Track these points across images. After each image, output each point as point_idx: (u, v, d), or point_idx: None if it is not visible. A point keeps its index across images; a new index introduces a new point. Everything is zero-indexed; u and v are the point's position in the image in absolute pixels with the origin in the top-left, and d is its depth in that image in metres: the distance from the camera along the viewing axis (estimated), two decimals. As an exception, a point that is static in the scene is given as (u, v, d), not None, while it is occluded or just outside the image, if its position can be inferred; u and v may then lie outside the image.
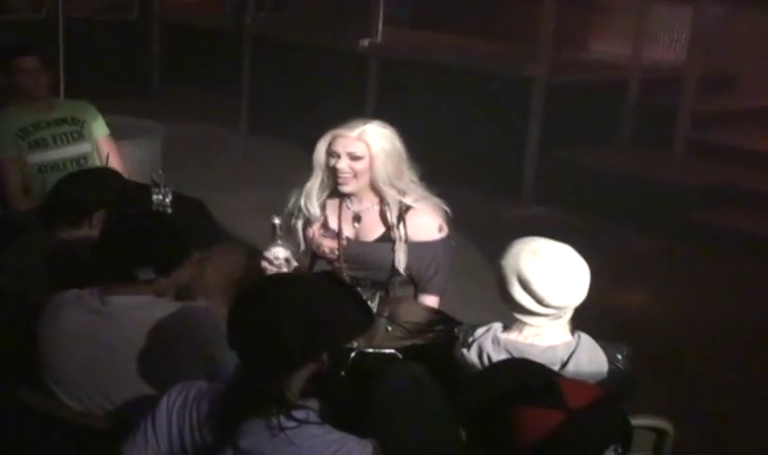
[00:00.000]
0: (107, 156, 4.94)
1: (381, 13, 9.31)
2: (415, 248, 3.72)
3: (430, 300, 3.79)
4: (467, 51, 9.29)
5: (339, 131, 3.70)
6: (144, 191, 4.53)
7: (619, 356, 2.85)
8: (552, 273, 2.75)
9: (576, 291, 2.78)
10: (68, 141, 4.92)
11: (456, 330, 3.12)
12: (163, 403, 2.39)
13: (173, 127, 7.67)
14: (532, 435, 1.97)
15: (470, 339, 2.91)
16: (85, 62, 9.67)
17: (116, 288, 2.87)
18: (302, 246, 3.88)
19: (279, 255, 3.53)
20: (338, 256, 3.78)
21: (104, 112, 5.17)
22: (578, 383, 2.15)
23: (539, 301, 2.76)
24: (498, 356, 2.78)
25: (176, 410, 2.37)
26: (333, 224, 3.81)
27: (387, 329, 3.37)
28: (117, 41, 11.20)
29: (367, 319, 2.58)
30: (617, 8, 9.78)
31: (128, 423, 2.52)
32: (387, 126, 3.75)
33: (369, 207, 3.77)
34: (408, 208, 3.71)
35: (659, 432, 2.82)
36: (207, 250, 3.44)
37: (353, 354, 3.07)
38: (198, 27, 11.60)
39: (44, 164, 4.83)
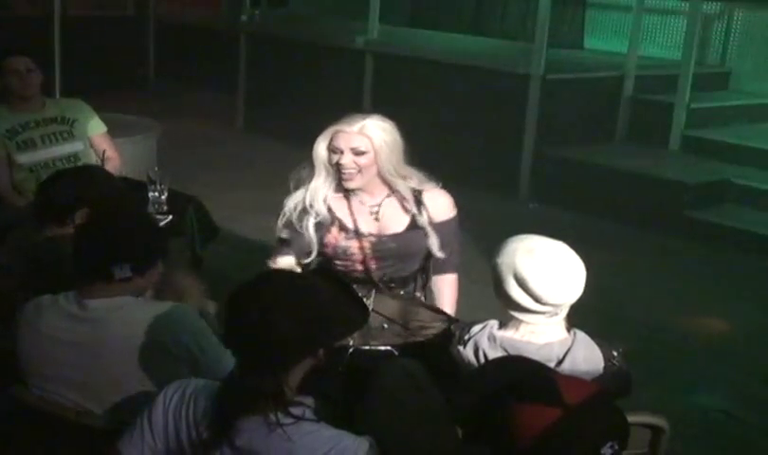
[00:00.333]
0: (103, 153, 4.93)
1: (378, 10, 9.31)
2: (439, 228, 3.69)
3: (451, 278, 3.80)
4: (464, 48, 9.29)
5: (340, 126, 3.62)
6: (140, 188, 4.54)
7: (615, 354, 2.86)
8: (548, 271, 2.75)
9: (573, 289, 2.78)
10: (57, 141, 4.91)
11: (452, 327, 3.13)
12: (160, 400, 2.40)
13: (170, 125, 7.66)
14: (529, 432, 1.97)
15: (466, 337, 2.91)
16: (81, 59, 9.65)
17: (93, 290, 2.84)
18: (314, 251, 3.66)
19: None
20: (366, 256, 3.64)
21: (100, 109, 5.16)
22: (575, 379, 2.15)
23: (536, 299, 2.76)
24: (494, 354, 2.78)
25: (173, 408, 2.37)
26: (348, 223, 3.66)
27: (383, 326, 3.37)
28: (113, 38, 11.18)
29: (363, 316, 2.58)
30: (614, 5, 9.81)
31: (124, 420, 2.52)
32: (386, 119, 3.70)
33: (384, 199, 3.69)
34: (420, 191, 3.69)
35: (655, 429, 2.83)
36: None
37: (349, 352, 3.08)
38: (194, 24, 11.59)
39: (34, 164, 4.83)
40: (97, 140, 5.03)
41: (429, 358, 2.93)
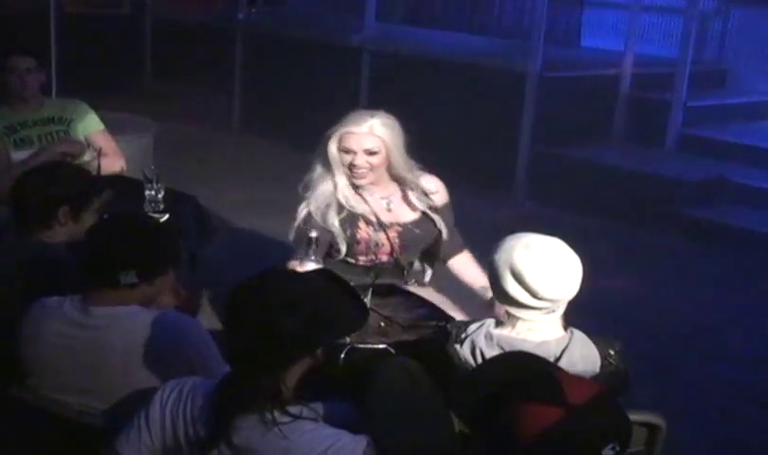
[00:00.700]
0: (99, 151, 4.92)
1: (374, 9, 9.30)
2: (442, 212, 3.93)
3: (467, 255, 4.00)
4: (461, 46, 9.29)
5: (348, 127, 3.71)
6: (137, 186, 4.53)
7: (611, 352, 2.86)
8: (545, 265, 2.76)
9: (569, 284, 2.78)
10: (54, 141, 4.90)
11: (449, 326, 3.12)
12: (157, 398, 2.39)
13: (166, 123, 7.66)
14: (530, 431, 1.96)
15: (463, 335, 2.91)
16: (77, 57, 9.64)
17: (98, 297, 2.82)
18: (344, 246, 3.75)
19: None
20: (394, 246, 3.81)
21: (96, 108, 5.15)
22: (579, 379, 2.13)
23: (533, 294, 2.76)
24: (491, 352, 2.78)
25: (170, 406, 2.36)
26: (371, 217, 3.80)
27: (380, 324, 3.37)
28: (109, 36, 11.16)
29: (362, 316, 2.58)
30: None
31: (122, 419, 2.52)
32: (389, 115, 3.81)
33: (393, 191, 3.86)
34: (418, 179, 3.86)
35: (651, 428, 2.83)
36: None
37: (346, 350, 3.07)
38: (191, 23, 11.57)
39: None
40: (95, 138, 5.01)
41: (425, 356, 2.93)
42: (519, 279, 2.77)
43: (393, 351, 3.14)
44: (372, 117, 3.74)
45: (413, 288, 3.87)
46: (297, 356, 2.34)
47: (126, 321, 2.78)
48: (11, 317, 2.94)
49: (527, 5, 8.59)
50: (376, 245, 3.80)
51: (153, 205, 4.44)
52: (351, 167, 3.72)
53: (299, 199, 3.83)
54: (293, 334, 2.29)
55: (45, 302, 2.89)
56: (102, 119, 5.14)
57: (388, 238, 3.80)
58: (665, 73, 8.71)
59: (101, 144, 4.98)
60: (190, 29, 11.32)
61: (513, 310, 2.82)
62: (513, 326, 2.83)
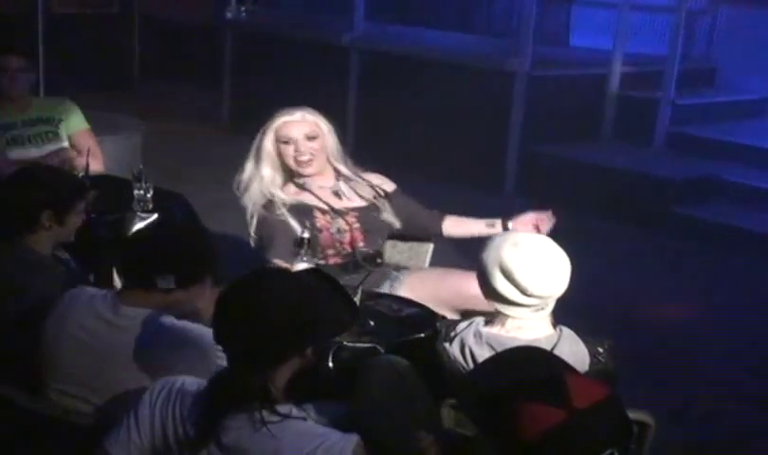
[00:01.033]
0: (88, 151, 4.90)
1: (363, 8, 9.30)
2: (393, 197, 4.04)
3: (450, 218, 4.12)
4: (450, 45, 9.29)
5: (283, 118, 3.87)
6: (125, 186, 4.52)
7: (600, 350, 2.87)
8: (534, 262, 2.76)
9: (558, 280, 2.79)
10: (43, 141, 4.89)
11: (438, 324, 3.13)
12: (146, 398, 2.39)
13: (155, 123, 7.64)
14: (531, 432, 1.95)
15: (452, 333, 2.91)
16: (65, 56, 9.62)
17: (132, 296, 2.83)
18: (307, 232, 3.70)
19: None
20: (354, 231, 3.87)
21: (84, 107, 5.14)
22: (588, 382, 2.09)
23: (522, 291, 2.77)
24: (480, 350, 2.79)
25: (160, 405, 2.36)
26: (323, 206, 3.88)
27: (369, 323, 3.37)
28: (97, 35, 11.14)
29: (352, 316, 2.58)
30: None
31: (112, 418, 2.51)
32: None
33: (335, 182, 3.97)
34: (355, 172, 4.01)
35: (641, 425, 2.83)
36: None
37: (334, 349, 3.07)
38: (180, 21, 11.56)
39: (20, 163, 4.79)
40: (78, 137, 5.00)
41: (414, 355, 2.93)
42: (508, 276, 2.77)
43: (382, 350, 3.14)
44: (300, 108, 3.92)
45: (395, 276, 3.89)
46: (287, 356, 2.34)
47: (152, 326, 2.78)
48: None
49: (516, 4, 8.58)
50: (339, 231, 3.86)
51: (141, 204, 4.43)
52: (295, 158, 3.86)
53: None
54: (283, 333, 2.29)
55: (75, 292, 2.92)
56: (90, 119, 5.13)
57: (347, 223, 3.87)
58: (653, 71, 8.73)
59: (86, 143, 4.96)
60: (178, 28, 11.31)
61: (502, 308, 2.82)
62: (503, 324, 2.83)
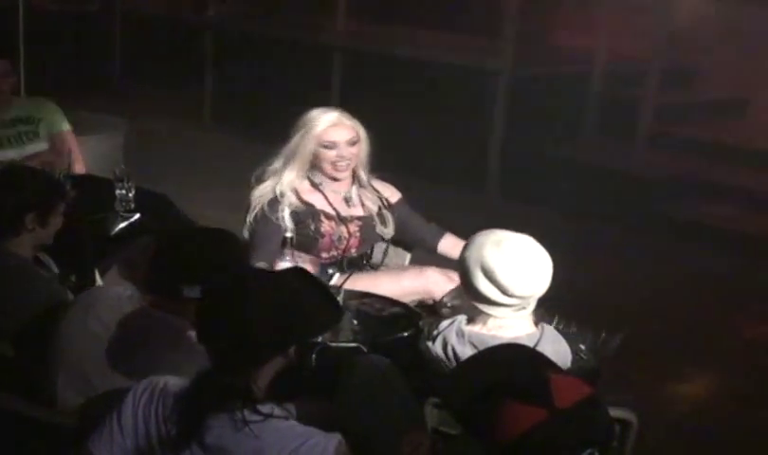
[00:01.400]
0: (70, 153, 4.89)
1: (345, 6, 9.29)
2: (397, 208, 4.01)
3: (450, 237, 4.02)
4: (433, 44, 9.29)
5: (326, 122, 3.80)
6: (107, 186, 4.51)
7: (582, 347, 2.88)
8: (515, 262, 2.77)
9: (540, 281, 2.80)
10: (23, 141, 4.88)
11: (421, 323, 3.13)
12: (129, 398, 2.39)
13: (136, 121, 7.61)
14: (512, 431, 1.95)
15: (435, 332, 2.92)
16: (46, 55, 9.57)
17: (162, 303, 2.85)
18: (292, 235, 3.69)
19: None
20: (352, 239, 3.86)
21: (65, 107, 5.12)
22: (571, 381, 2.10)
23: (504, 291, 2.77)
24: (462, 349, 2.79)
25: (143, 405, 2.36)
26: (330, 211, 3.86)
27: (352, 323, 3.37)
28: (78, 34, 11.09)
29: (335, 315, 2.58)
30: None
31: (96, 419, 2.50)
32: None
33: (351, 187, 3.93)
34: (368, 178, 3.98)
35: (623, 423, 2.84)
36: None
37: (317, 349, 3.07)
38: (161, 19, 11.50)
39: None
40: (59, 138, 4.98)
41: (397, 354, 2.94)
42: (489, 276, 2.78)
43: (364, 349, 3.14)
44: (336, 110, 3.88)
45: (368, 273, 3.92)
46: (269, 356, 2.34)
47: (168, 332, 2.79)
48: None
49: (499, 3, 8.59)
50: (339, 239, 3.86)
51: (124, 204, 4.42)
52: (334, 163, 3.81)
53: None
54: (266, 333, 2.30)
55: (99, 291, 3.02)
56: (71, 118, 5.11)
57: (349, 232, 3.86)
58: (636, 70, 8.75)
59: (68, 144, 4.95)
60: (160, 26, 11.26)
61: (484, 307, 2.83)
62: (484, 323, 2.83)
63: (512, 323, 2.82)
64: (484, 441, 2.02)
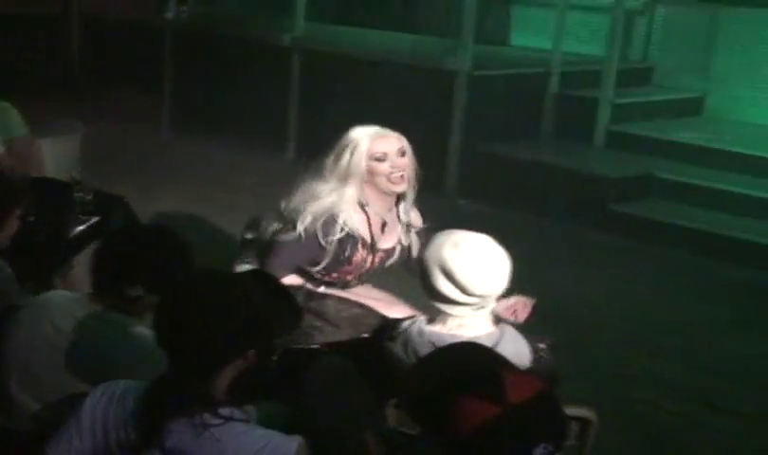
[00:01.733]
0: (26, 156, 4.85)
1: (303, 8, 9.28)
2: (416, 237, 3.78)
3: None
4: (391, 45, 9.31)
5: (373, 135, 3.63)
6: (65, 189, 4.48)
7: (542, 346, 2.90)
8: (474, 262, 2.79)
9: (498, 280, 2.82)
10: None
11: (382, 324, 3.14)
12: (88, 402, 2.37)
13: (95, 125, 7.56)
14: (466, 426, 1.96)
15: (395, 332, 2.93)
16: (4, 57, 9.49)
17: (111, 304, 2.84)
18: (325, 261, 3.56)
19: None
20: (371, 268, 3.70)
21: (23, 110, 5.07)
22: (525, 377, 2.11)
23: (463, 290, 2.79)
24: (423, 349, 2.80)
25: (101, 409, 2.34)
26: (367, 238, 3.64)
27: (313, 325, 3.37)
28: (37, 36, 10.99)
29: (295, 317, 2.58)
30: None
31: (53, 423, 2.49)
32: None
33: (391, 210, 3.73)
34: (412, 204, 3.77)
35: (583, 421, 2.86)
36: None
37: (277, 351, 3.07)
38: (120, 22, 11.42)
39: None
40: (17, 142, 4.93)
41: (358, 355, 2.94)
42: (448, 276, 2.79)
43: (326, 350, 3.14)
44: (371, 126, 3.69)
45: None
46: (228, 359, 2.33)
47: (119, 333, 2.78)
48: None
49: (456, 4, 8.61)
50: (362, 266, 3.67)
51: (81, 207, 4.39)
52: (389, 175, 3.60)
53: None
54: (223, 336, 2.28)
55: (48, 296, 2.94)
56: (29, 122, 5.07)
57: (372, 262, 3.69)
58: (592, 71, 8.82)
59: (26, 148, 4.91)
60: (119, 28, 11.18)
61: (443, 307, 2.84)
62: (444, 323, 2.85)
63: (472, 322, 2.84)
64: (439, 438, 2.03)
